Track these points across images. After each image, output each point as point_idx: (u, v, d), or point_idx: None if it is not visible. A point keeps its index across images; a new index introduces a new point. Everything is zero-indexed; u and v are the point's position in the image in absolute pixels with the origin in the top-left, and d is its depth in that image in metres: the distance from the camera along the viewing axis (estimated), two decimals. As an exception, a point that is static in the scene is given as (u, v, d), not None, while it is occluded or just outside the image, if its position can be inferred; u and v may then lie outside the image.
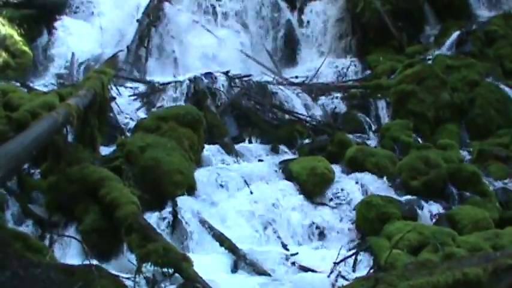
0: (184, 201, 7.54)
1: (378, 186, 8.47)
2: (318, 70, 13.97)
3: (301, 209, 7.93)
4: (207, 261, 6.71)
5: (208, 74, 12.09)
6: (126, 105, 11.34)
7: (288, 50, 15.64)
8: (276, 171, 8.73)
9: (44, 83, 13.00)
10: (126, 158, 7.88)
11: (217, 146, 9.81)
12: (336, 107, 12.09)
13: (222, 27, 15.76)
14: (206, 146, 9.42)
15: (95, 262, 5.89)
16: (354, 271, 6.86)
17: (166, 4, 15.97)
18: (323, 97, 12.42)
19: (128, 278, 5.83)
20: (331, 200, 8.19)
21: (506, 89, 11.60)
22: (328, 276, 6.70)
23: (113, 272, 5.74)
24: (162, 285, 5.88)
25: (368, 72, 13.91)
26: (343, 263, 6.91)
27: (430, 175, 8.46)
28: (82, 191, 7.15)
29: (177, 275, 5.90)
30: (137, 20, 15.31)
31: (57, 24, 15.81)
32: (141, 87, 12.50)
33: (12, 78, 12.97)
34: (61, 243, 6.87)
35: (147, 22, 15.30)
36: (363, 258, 7.04)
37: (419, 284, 4.33)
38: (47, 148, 7.31)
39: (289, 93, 12.13)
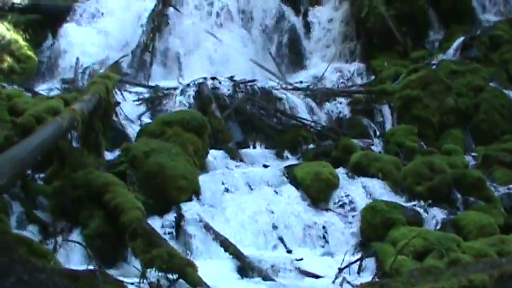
0: (188, 207, 7.54)
1: (383, 191, 8.46)
2: (322, 75, 13.96)
3: (305, 215, 7.91)
4: (212, 266, 6.70)
5: (213, 79, 12.10)
6: (131, 110, 11.35)
7: (293, 55, 15.63)
8: (280, 176, 8.71)
9: (48, 88, 13.00)
10: (131, 163, 7.88)
11: (221, 151, 9.82)
12: (340, 112, 12.08)
13: (227, 32, 15.77)
14: (211, 151, 9.43)
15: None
16: (358, 277, 6.85)
17: (171, 9, 16.01)
18: (328, 102, 12.40)
19: (132, 284, 5.83)
20: (335, 205, 8.17)
21: (511, 94, 11.58)
22: (333, 282, 6.70)
23: (117, 277, 5.73)
24: (167, 290, 5.88)
25: (372, 77, 13.90)
26: (347, 268, 6.91)
27: (435, 180, 8.45)
28: (86, 196, 7.15)
29: (181, 280, 5.89)
30: (142, 25, 15.34)
31: (62, 29, 15.84)
32: (146, 92, 12.50)
33: (17, 83, 13.00)
34: (65, 248, 6.87)
35: (151, 27, 15.32)
36: (368, 264, 7.04)
37: (424, 290, 4.31)
38: (51, 153, 7.31)
39: (293, 98, 12.13)
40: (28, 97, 9.96)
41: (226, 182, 8.30)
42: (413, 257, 6.66)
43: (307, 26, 16.20)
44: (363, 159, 9.06)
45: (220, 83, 11.98)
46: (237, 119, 11.05)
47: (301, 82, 13.96)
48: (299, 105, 11.94)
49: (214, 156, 9.50)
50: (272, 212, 7.76)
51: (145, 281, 5.90)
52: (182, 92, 11.75)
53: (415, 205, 8.11)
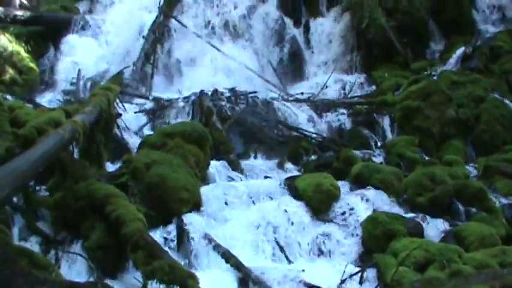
0: (190, 218, 7.53)
1: (384, 202, 8.44)
2: (323, 86, 13.98)
3: (307, 226, 7.90)
4: (213, 278, 6.69)
5: (214, 91, 12.13)
6: (132, 122, 11.37)
7: (294, 66, 15.66)
8: (281, 187, 8.71)
9: (50, 100, 13.04)
10: (132, 175, 7.87)
11: (223, 163, 9.82)
12: (341, 123, 12.10)
13: (228, 43, 15.80)
14: (212, 163, 9.43)
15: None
16: (360, 288, 6.85)
17: (172, 21, 16.05)
18: (328, 113, 12.43)
19: (133, 296, 5.83)
20: (337, 216, 8.16)
21: (512, 104, 11.60)
22: (334, 294, 6.69)
23: (119, 289, 5.73)
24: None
25: (373, 88, 13.92)
26: (349, 280, 6.89)
27: (436, 191, 8.44)
28: (88, 208, 7.15)
29: (182, 292, 5.89)
30: (143, 37, 15.38)
31: (63, 41, 15.91)
32: (147, 104, 12.52)
33: (18, 94, 13.04)
34: (67, 260, 6.87)
35: (153, 39, 15.36)
36: (369, 275, 7.02)
37: (426, 302, 4.31)
38: (53, 164, 7.32)
39: (294, 109, 12.16)
40: (30, 109, 9.98)
41: (228, 193, 8.29)
42: (415, 269, 6.65)
43: (308, 37, 16.25)
44: (364, 170, 9.06)
45: (221, 94, 12.02)
46: (238, 130, 11.07)
47: (302, 93, 13.99)
48: (300, 116, 11.96)
49: (216, 167, 9.50)
50: (273, 224, 7.75)
51: (146, 292, 5.91)
52: (183, 104, 11.80)
53: (416, 216, 8.09)
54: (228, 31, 16.10)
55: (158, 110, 12.05)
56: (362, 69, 15.16)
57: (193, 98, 12.00)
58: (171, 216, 7.57)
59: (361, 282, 6.95)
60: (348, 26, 15.85)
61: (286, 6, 16.87)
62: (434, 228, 7.93)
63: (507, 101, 11.62)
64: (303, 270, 7.08)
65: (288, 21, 16.36)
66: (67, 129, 7.06)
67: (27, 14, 16.38)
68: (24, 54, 14.84)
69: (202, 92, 12.08)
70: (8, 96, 11.78)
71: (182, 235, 7.33)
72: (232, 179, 9.42)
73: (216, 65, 15.09)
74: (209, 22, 16.26)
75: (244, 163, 10.20)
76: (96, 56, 15.55)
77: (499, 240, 7.51)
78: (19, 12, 16.29)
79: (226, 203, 8.16)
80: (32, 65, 14.86)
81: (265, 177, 9.77)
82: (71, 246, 7.03)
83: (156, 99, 12.64)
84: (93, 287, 5.24)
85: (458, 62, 13.34)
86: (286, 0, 17.00)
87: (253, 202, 8.28)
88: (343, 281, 6.83)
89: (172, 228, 7.42)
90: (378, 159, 10.51)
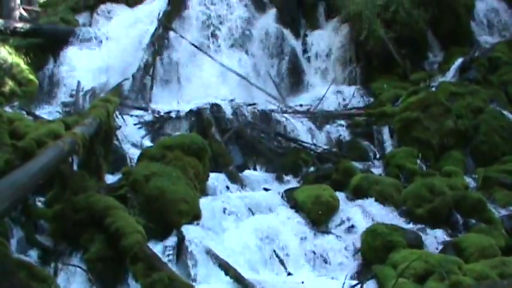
0: (189, 230, 7.53)
1: (383, 214, 8.45)
2: (322, 98, 14.00)
3: (306, 237, 7.91)
4: (213, 290, 6.70)
5: (213, 103, 12.15)
6: (131, 134, 11.38)
7: (293, 78, 15.69)
8: (281, 199, 8.72)
9: (49, 111, 13.04)
10: (132, 187, 7.88)
11: (222, 175, 9.84)
12: (340, 135, 12.12)
13: (227, 55, 15.83)
14: (211, 175, 9.44)
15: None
16: (359, 300, 6.83)
17: (172, 33, 16.08)
18: (328, 125, 12.46)
19: (133, 308, 5.82)
20: (336, 228, 8.16)
21: (510, 115, 11.60)
22: (334, 305, 6.68)
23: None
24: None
25: (372, 99, 13.95)
26: (348, 291, 6.89)
27: (435, 203, 8.45)
28: (87, 220, 7.15)
29: (182, 304, 5.89)
30: (142, 49, 15.41)
31: (63, 53, 15.92)
32: (146, 116, 12.53)
33: (18, 106, 13.05)
34: (66, 272, 6.86)
35: (152, 50, 15.39)
36: (369, 287, 7.00)
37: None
38: (52, 176, 7.32)
39: (293, 121, 12.18)
40: (29, 120, 9.96)
41: (227, 205, 8.30)
42: (414, 280, 6.63)
43: (307, 49, 16.30)
44: (363, 181, 9.07)
45: (220, 106, 12.03)
46: (237, 142, 11.06)
47: (301, 105, 14.01)
48: (299, 128, 11.98)
49: (215, 179, 9.51)
50: (272, 235, 7.74)
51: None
52: (182, 116, 11.82)
53: (415, 227, 8.09)
54: (228, 43, 16.14)
55: (157, 122, 12.06)
56: (361, 81, 15.19)
57: (192, 109, 12.01)
58: (171, 228, 7.57)
59: (360, 294, 6.95)
60: (347, 37, 15.91)
61: (285, 18, 16.92)
62: (434, 239, 7.93)
63: (506, 112, 11.63)
64: (302, 282, 7.09)
65: (287, 33, 16.40)
66: (67, 142, 7.07)
67: (27, 26, 16.41)
68: (23, 66, 14.86)
69: (201, 103, 12.10)
70: (8, 108, 11.78)
71: (181, 247, 7.33)
72: (232, 191, 9.43)
73: (215, 77, 15.12)
74: (209, 34, 16.30)
75: (243, 175, 10.20)
76: (96, 68, 15.56)
77: (498, 251, 7.50)
78: (19, 24, 16.33)
79: (225, 215, 8.16)
80: (32, 77, 14.88)
81: (265, 189, 9.77)
82: (70, 258, 7.03)
83: (155, 111, 12.65)
84: (93, 300, 5.24)
85: (456, 73, 13.38)
86: (285, 12, 17.06)
87: (253, 214, 8.29)
88: (342, 293, 6.82)
89: (171, 240, 7.41)
90: (377, 170, 10.52)
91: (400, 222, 8.29)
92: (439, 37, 15.72)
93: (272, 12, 17.28)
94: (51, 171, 6.76)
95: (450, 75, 13.49)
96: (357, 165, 10.34)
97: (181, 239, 7.38)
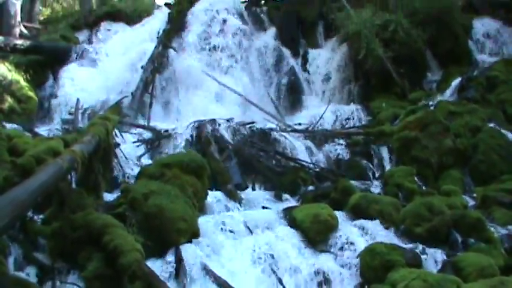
0: (187, 249, 7.50)
1: (382, 233, 8.43)
2: (321, 117, 14.03)
3: (304, 256, 7.88)
4: (211, 309, 6.67)
5: (212, 121, 12.17)
6: (130, 152, 11.38)
7: (291, 96, 15.75)
8: (279, 218, 8.71)
9: (49, 129, 13.06)
10: (130, 205, 7.86)
11: (220, 193, 9.82)
12: (339, 154, 12.13)
13: (226, 74, 15.90)
14: (210, 193, 9.43)
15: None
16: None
17: (171, 51, 16.15)
18: (326, 144, 12.48)
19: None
20: (334, 247, 8.14)
21: (509, 134, 11.62)
22: (333, 325, 6.65)
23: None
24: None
25: (371, 118, 13.98)
26: (347, 311, 6.87)
27: (434, 222, 8.43)
28: (85, 238, 7.12)
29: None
30: (142, 67, 15.46)
31: (63, 70, 16.01)
32: (145, 134, 12.55)
33: (17, 123, 13.06)
34: (64, 290, 6.84)
35: (151, 69, 15.44)
36: (368, 306, 6.99)
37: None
38: (50, 194, 7.31)
39: (292, 140, 12.19)
40: (28, 137, 9.99)
41: (225, 224, 8.28)
42: (413, 300, 6.62)
43: (306, 68, 16.37)
44: (362, 200, 9.06)
45: (219, 124, 12.05)
46: (236, 160, 11.05)
47: (299, 124, 14.04)
48: (298, 146, 11.99)
49: (214, 198, 9.50)
50: (271, 254, 7.72)
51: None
52: (181, 134, 11.83)
53: (414, 247, 8.07)
54: (227, 62, 16.21)
55: (156, 140, 12.08)
56: (360, 100, 15.25)
57: (191, 128, 12.02)
58: (169, 247, 7.55)
59: (359, 313, 6.92)
60: (346, 56, 15.99)
61: (284, 37, 17.03)
62: (433, 258, 7.89)
63: (504, 131, 11.65)
64: (301, 301, 7.06)
65: (286, 51, 16.49)
66: (66, 159, 7.05)
67: (27, 43, 16.49)
68: (23, 83, 14.92)
69: (200, 122, 12.12)
70: (7, 125, 11.79)
71: (180, 265, 7.30)
72: (230, 210, 9.42)
73: (214, 95, 15.17)
74: (208, 53, 16.38)
75: (241, 193, 10.19)
76: (95, 85, 15.63)
77: (497, 271, 7.47)
78: (19, 41, 16.41)
79: (223, 233, 8.14)
80: (31, 93, 14.93)
81: (263, 207, 9.76)
82: (68, 276, 6.99)
83: (154, 129, 12.66)
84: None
85: (455, 92, 13.44)
86: (285, 31, 17.17)
87: (251, 232, 8.27)
88: (341, 312, 6.80)
89: (170, 258, 7.39)
90: (376, 189, 10.52)
91: (399, 241, 8.27)
92: (437, 56, 15.81)
93: (271, 31, 17.40)
94: (50, 188, 6.74)
95: (448, 94, 13.55)
96: (356, 184, 10.34)
97: (179, 257, 7.35)
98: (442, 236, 8.35)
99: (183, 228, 7.66)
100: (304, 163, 11.49)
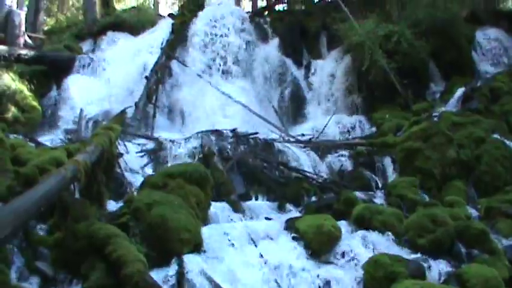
0: (190, 259, 7.48)
1: (385, 244, 8.39)
2: (324, 128, 14.04)
3: (308, 267, 7.85)
4: (214, 320, 6.64)
5: (215, 132, 12.17)
6: (134, 162, 11.38)
7: (295, 107, 15.77)
8: (282, 229, 8.69)
9: (52, 138, 13.08)
10: (133, 215, 7.85)
11: (224, 204, 9.81)
12: (342, 165, 12.13)
13: (230, 84, 15.91)
14: (213, 204, 9.41)
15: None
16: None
17: (174, 61, 16.18)
18: (329, 155, 12.47)
19: (133, 338, 5.76)
20: (338, 258, 8.11)
21: (512, 145, 11.63)
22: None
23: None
24: None
25: (374, 129, 13.98)
26: (351, 323, 6.84)
27: (438, 233, 8.39)
28: (88, 248, 7.10)
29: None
30: (145, 77, 15.49)
31: (66, 80, 16.04)
32: (149, 144, 12.55)
33: (21, 132, 13.09)
34: (66, 300, 6.83)
35: (155, 79, 15.47)
36: (371, 318, 6.95)
37: None
38: (53, 204, 7.32)
39: (295, 150, 12.18)
40: (32, 147, 10.01)
41: (229, 234, 8.25)
42: (417, 311, 6.59)
43: (309, 79, 16.39)
44: (365, 211, 9.03)
45: (222, 135, 12.05)
46: (240, 171, 11.06)
47: (303, 134, 14.05)
48: (301, 157, 11.99)
49: (217, 208, 9.49)
50: (274, 265, 7.70)
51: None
52: (185, 144, 11.83)
53: (418, 258, 8.04)
54: (230, 72, 16.24)
55: (160, 150, 12.08)
56: (363, 111, 15.27)
57: (194, 138, 12.02)
58: (172, 257, 7.52)
59: (363, 325, 6.89)
60: (349, 67, 16.01)
61: (287, 48, 17.08)
62: (436, 270, 7.86)
63: (508, 142, 11.65)
64: (304, 312, 7.02)
65: (290, 62, 16.51)
66: (69, 169, 7.07)
67: (31, 53, 16.54)
68: (27, 92, 14.96)
69: (204, 132, 12.13)
70: (10, 135, 11.81)
71: (183, 276, 7.27)
72: (233, 220, 9.40)
73: (217, 106, 15.18)
74: (212, 64, 16.41)
75: (245, 204, 10.17)
76: (99, 95, 15.66)
77: (501, 283, 7.44)
78: (23, 51, 16.46)
79: (227, 244, 8.12)
80: (35, 103, 14.96)
81: (266, 218, 9.74)
82: (70, 287, 6.98)
83: (158, 140, 12.67)
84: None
85: (458, 103, 13.45)
86: (288, 42, 17.21)
87: (254, 243, 8.24)
88: (344, 324, 6.76)
89: (172, 268, 7.36)
90: (379, 200, 10.49)
91: (403, 252, 8.24)
92: (440, 67, 15.83)
93: (275, 41, 17.44)
94: (53, 198, 6.75)
95: (452, 105, 13.55)
96: (359, 195, 10.31)
97: (182, 268, 7.33)
98: (445, 248, 8.32)
99: (186, 239, 7.64)
100: (307, 174, 11.49)
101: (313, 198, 10.68)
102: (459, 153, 11.32)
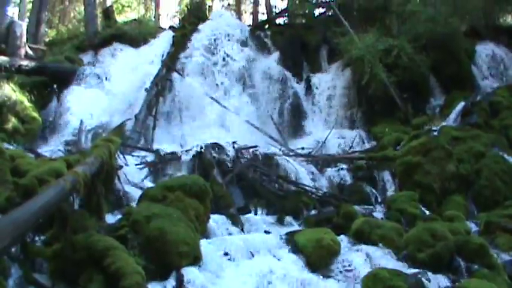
0: (189, 272, 7.45)
1: (385, 258, 8.37)
2: (324, 141, 14.04)
3: (306, 281, 7.81)
4: (212, 333, 6.62)
5: (215, 145, 12.17)
6: (133, 174, 11.37)
7: (295, 121, 15.78)
8: (282, 242, 8.67)
9: (52, 150, 13.07)
10: (132, 227, 7.83)
11: (223, 217, 9.80)
12: (342, 179, 12.12)
13: (230, 98, 15.93)
14: (212, 217, 9.39)
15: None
16: None
17: (175, 74, 16.20)
18: (329, 168, 12.47)
19: None
20: (337, 272, 8.08)
21: (512, 159, 11.63)
22: None
23: None
24: None
25: (374, 143, 13.98)
26: (349, 337, 6.81)
27: (437, 247, 8.38)
28: (87, 260, 7.08)
29: None
30: (145, 89, 15.51)
31: (67, 91, 16.05)
32: (148, 156, 12.54)
33: (20, 143, 13.09)
34: (64, 312, 6.80)
35: (155, 91, 15.49)
36: (370, 332, 6.92)
37: None
38: (52, 215, 7.30)
39: (295, 164, 12.18)
40: (31, 158, 10.00)
41: (228, 247, 8.23)
42: (416, 326, 6.57)
43: (309, 92, 16.40)
44: (364, 226, 9.01)
45: (222, 148, 12.05)
46: (239, 184, 11.06)
47: (302, 148, 14.05)
48: (300, 171, 11.98)
49: (216, 221, 9.47)
50: (273, 279, 7.66)
51: None
52: (184, 157, 11.82)
53: (417, 272, 8.02)
54: (230, 86, 16.26)
55: (159, 162, 12.07)
56: (363, 124, 15.28)
57: (194, 151, 12.02)
58: (170, 270, 7.50)
59: None
60: (349, 81, 16.04)
61: (288, 61, 17.12)
62: (436, 284, 7.83)
63: (507, 156, 11.65)
64: (303, 327, 7.00)
65: (290, 75, 16.54)
66: (68, 180, 7.05)
67: (32, 64, 16.57)
68: (27, 103, 14.95)
69: (203, 145, 12.12)
70: (10, 145, 11.80)
71: (181, 289, 7.26)
72: (232, 233, 9.38)
73: (217, 119, 15.19)
74: (212, 77, 16.44)
75: (244, 217, 10.16)
76: (99, 107, 15.67)
77: (501, 298, 7.43)
78: (24, 62, 16.49)
79: (225, 257, 8.09)
80: (35, 114, 14.95)
81: (265, 231, 9.72)
82: (68, 299, 6.96)
83: (157, 152, 12.66)
84: None
85: (458, 117, 13.46)
86: (288, 55, 17.25)
87: (253, 256, 8.22)
88: (343, 339, 6.74)
89: (171, 281, 7.34)
90: (379, 214, 10.48)
91: (402, 266, 8.21)
92: (440, 81, 15.86)
93: (275, 55, 17.48)
94: (52, 209, 6.73)
95: (452, 119, 13.56)
96: (359, 209, 10.31)
97: (181, 281, 7.30)
98: (445, 262, 8.31)
99: (185, 252, 7.61)
100: (306, 187, 11.48)
101: (313, 212, 10.67)
102: (459, 168, 11.32)
